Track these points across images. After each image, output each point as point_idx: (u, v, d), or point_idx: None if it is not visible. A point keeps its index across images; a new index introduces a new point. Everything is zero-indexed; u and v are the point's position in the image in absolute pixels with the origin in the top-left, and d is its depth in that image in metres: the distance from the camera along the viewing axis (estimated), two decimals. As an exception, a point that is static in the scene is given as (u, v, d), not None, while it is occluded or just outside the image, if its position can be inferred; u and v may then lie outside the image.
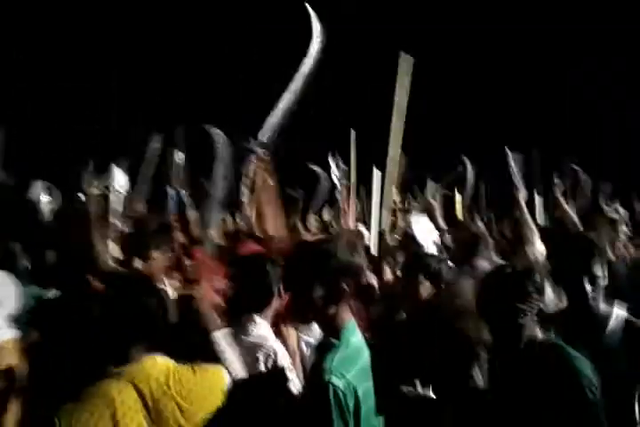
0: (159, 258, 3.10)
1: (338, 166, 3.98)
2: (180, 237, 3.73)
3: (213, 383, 1.95)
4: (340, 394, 1.80)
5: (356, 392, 1.85)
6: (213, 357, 2.07)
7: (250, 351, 2.28)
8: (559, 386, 1.94)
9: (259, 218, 3.24)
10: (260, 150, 3.08)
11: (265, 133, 3.06)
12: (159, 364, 1.87)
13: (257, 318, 2.42)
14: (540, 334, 2.07)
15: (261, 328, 2.40)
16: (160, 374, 1.84)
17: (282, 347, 2.37)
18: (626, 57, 6.36)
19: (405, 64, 3.67)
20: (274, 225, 3.10)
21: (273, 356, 2.29)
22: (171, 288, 3.02)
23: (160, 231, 3.51)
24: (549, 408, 1.93)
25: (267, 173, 3.14)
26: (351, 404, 1.84)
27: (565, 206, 3.72)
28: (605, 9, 6.40)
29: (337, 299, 1.96)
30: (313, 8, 3.15)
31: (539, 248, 3.35)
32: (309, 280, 1.96)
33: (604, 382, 2.01)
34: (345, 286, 1.97)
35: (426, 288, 2.74)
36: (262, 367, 2.26)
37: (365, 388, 1.93)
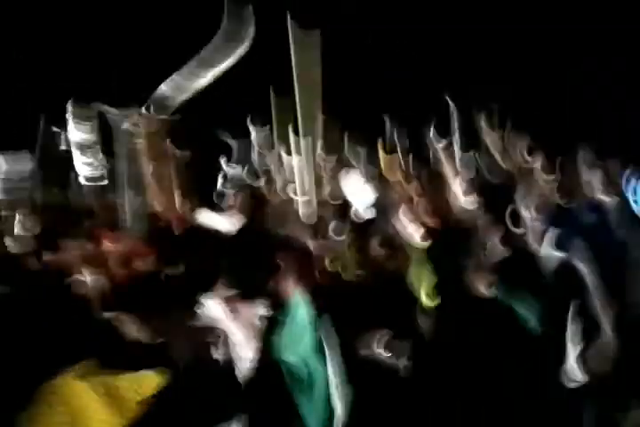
0: (72, 247, 2.80)
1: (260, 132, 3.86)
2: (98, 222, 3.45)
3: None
4: (294, 369, 1.79)
5: (307, 365, 1.83)
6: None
7: (200, 336, 2.12)
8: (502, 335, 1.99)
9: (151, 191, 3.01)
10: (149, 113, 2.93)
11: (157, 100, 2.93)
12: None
13: (205, 300, 2.19)
14: (483, 289, 2.11)
15: (210, 309, 2.18)
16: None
17: (237, 325, 2.14)
18: (626, 57, 6.69)
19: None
20: (166, 198, 2.93)
21: (225, 337, 2.10)
22: (93, 279, 2.77)
23: (70, 219, 3.22)
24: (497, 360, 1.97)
25: (156, 138, 2.97)
26: (306, 376, 1.83)
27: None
28: (605, 9, 6.66)
29: (274, 274, 1.93)
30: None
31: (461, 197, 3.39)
32: (244, 259, 1.92)
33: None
34: (280, 261, 1.93)
35: (377, 252, 2.71)
36: (216, 350, 2.10)
37: (316, 359, 1.92)
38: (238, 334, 2.06)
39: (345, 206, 3.19)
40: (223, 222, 2.91)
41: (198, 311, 2.13)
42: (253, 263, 2.13)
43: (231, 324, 2.10)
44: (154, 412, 1.81)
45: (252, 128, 3.79)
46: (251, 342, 2.01)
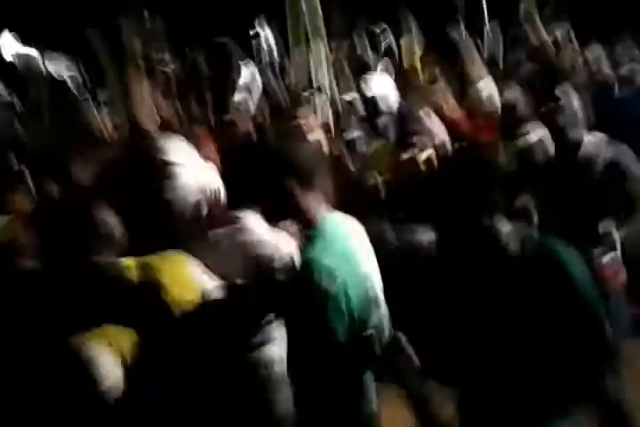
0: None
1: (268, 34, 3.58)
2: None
3: None
4: (325, 275, 1.71)
5: (337, 276, 1.74)
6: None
7: (251, 251, 1.92)
8: (550, 287, 1.64)
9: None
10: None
11: None
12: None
13: (245, 214, 1.99)
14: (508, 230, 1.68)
15: (254, 222, 1.98)
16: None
17: (284, 235, 1.97)
18: (625, 57, 6.15)
19: None
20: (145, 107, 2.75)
21: (279, 249, 1.92)
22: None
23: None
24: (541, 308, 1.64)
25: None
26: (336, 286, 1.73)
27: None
28: (604, 9, 6.29)
29: (288, 200, 1.78)
30: None
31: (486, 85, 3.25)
32: (254, 185, 1.80)
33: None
34: (290, 184, 1.75)
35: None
36: (274, 263, 1.92)
37: (350, 273, 1.80)
38: (289, 246, 1.91)
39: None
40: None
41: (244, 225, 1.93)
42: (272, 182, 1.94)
43: (279, 234, 1.93)
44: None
45: (261, 28, 3.51)
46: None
